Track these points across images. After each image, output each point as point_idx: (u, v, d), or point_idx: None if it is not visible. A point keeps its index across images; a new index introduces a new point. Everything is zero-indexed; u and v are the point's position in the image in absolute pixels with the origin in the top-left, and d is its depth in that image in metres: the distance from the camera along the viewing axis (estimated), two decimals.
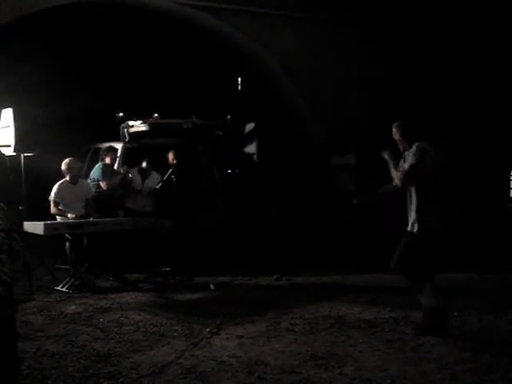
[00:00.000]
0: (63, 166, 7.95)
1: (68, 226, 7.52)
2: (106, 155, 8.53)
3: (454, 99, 10.91)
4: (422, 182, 5.38)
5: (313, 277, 8.39)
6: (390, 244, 5.64)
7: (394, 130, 5.59)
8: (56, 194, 7.87)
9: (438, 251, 5.46)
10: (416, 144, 5.41)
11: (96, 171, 8.42)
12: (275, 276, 8.35)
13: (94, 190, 8.29)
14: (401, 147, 5.58)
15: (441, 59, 10.91)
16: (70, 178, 7.96)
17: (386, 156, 5.58)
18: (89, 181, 8.43)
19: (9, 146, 7.68)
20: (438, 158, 5.51)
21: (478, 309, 6.33)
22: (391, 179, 5.61)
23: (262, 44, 10.89)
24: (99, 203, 8.15)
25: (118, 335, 5.56)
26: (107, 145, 8.86)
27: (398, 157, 5.58)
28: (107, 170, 8.41)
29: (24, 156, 7.84)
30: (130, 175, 8.73)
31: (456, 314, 6.15)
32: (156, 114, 9.04)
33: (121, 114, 8.98)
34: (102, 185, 8.29)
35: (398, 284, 7.53)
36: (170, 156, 8.96)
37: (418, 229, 5.38)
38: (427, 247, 5.39)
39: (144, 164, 9.01)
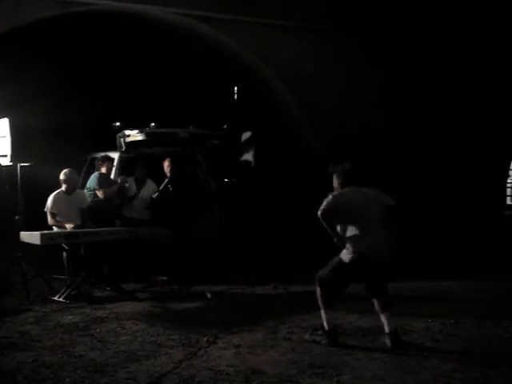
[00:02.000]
0: (61, 176, 7.95)
1: (65, 235, 7.51)
2: (102, 164, 8.53)
3: (453, 107, 10.93)
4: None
5: (310, 286, 8.29)
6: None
7: (335, 176, 5.75)
8: (52, 205, 7.87)
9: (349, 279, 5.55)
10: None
11: (92, 180, 8.41)
12: (272, 285, 8.34)
13: (90, 199, 8.29)
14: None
15: (440, 66, 10.91)
16: (66, 188, 7.95)
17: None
18: (85, 190, 8.42)
19: (5, 156, 7.67)
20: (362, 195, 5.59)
21: (476, 316, 6.34)
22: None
23: (258, 53, 10.90)
24: (96, 212, 8.13)
25: (115, 345, 5.54)
26: (103, 154, 8.85)
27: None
28: (104, 179, 8.40)
29: (20, 166, 7.83)
30: (127, 184, 8.72)
31: (453, 321, 6.14)
32: (153, 124, 9.05)
33: (117, 124, 8.99)
34: (99, 194, 8.28)
35: (395, 292, 7.59)
36: (167, 165, 8.95)
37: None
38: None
39: (140, 173, 8.99)
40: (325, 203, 5.52)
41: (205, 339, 5.67)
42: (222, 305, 7.36)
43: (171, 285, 8.27)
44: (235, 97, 13.59)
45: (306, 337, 5.57)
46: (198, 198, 9.23)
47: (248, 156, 12.83)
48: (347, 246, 5.49)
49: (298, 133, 11.59)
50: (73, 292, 7.51)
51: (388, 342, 5.43)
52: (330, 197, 5.56)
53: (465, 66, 10.84)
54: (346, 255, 5.50)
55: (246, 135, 12.79)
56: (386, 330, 5.48)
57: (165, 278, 8.41)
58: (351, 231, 5.47)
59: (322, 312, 5.52)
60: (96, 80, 11.67)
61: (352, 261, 5.44)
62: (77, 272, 7.63)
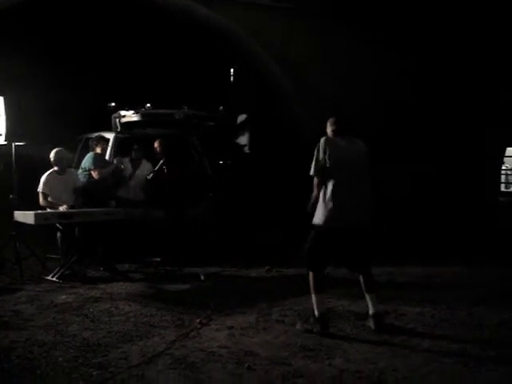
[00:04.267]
0: (52, 156, 7.88)
1: (59, 215, 7.49)
2: (96, 145, 8.48)
3: (451, 95, 10.88)
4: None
5: (304, 269, 8.35)
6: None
7: (328, 124, 5.59)
8: (44, 185, 7.81)
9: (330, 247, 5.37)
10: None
11: (87, 161, 8.37)
12: (266, 267, 8.34)
13: (85, 180, 8.25)
14: None
15: (439, 59, 10.87)
16: (58, 168, 7.91)
17: None
18: (80, 170, 8.38)
19: (0, 135, 7.62)
20: (352, 149, 5.44)
21: (468, 302, 6.34)
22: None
23: (255, 35, 10.81)
24: (91, 193, 8.11)
25: (108, 325, 5.55)
26: (98, 134, 8.81)
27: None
28: (98, 160, 8.36)
29: (15, 145, 7.78)
30: (123, 165, 8.70)
31: (445, 307, 6.16)
32: (148, 104, 9.01)
33: (112, 104, 8.94)
34: (94, 174, 8.25)
35: (389, 277, 7.62)
36: (162, 146, 8.92)
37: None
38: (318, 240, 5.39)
39: (136, 154, 8.96)
40: (316, 152, 5.33)
41: (198, 320, 5.68)
42: (215, 287, 7.37)
43: (165, 266, 8.29)
44: (231, 79, 13.59)
45: (298, 326, 5.50)
46: (192, 179, 9.22)
47: (243, 139, 12.84)
48: (323, 205, 5.29)
49: (294, 117, 11.54)
50: (66, 272, 7.51)
51: (372, 324, 5.41)
52: (322, 140, 5.36)
53: (465, 50, 10.79)
54: (320, 217, 5.29)
55: (241, 118, 12.79)
56: (370, 311, 5.44)
57: (158, 259, 8.43)
58: (332, 185, 5.28)
59: (313, 296, 5.42)
60: (92, 60, 11.58)
61: (327, 220, 5.24)
62: (71, 252, 7.62)
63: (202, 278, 7.72)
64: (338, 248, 5.38)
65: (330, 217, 5.26)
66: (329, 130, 5.57)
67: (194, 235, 8.62)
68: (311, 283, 5.43)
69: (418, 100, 10.75)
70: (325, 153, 5.30)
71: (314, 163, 5.36)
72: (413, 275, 7.92)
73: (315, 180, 5.38)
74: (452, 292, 6.87)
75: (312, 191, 5.44)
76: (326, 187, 5.32)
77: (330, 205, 5.26)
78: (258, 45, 10.89)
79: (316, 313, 5.38)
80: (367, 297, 5.48)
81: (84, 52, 11.51)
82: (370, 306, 5.46)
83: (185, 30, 11.70)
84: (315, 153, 5.35)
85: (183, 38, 11.92)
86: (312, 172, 5.37)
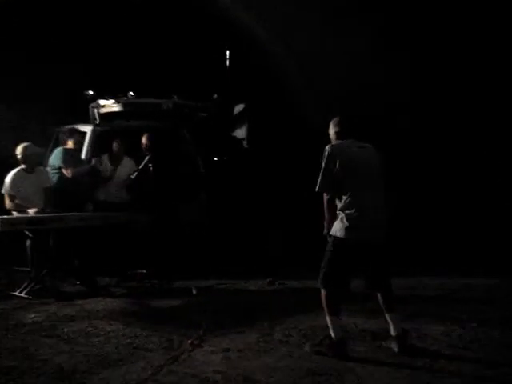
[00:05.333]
0: (18, 153, 7.87)
1: (28, 221, 7.46)
2: (68, 138, 8.46)
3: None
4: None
5: (310, 281, 8.34)
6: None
7: (331, 125, 5.57)
8: (10, 185, 7.79)
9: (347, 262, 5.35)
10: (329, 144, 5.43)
11: (55, 157, 8.34)
12: (267, 279, 8.35)
13: (55, 180, 8.23)
14: None
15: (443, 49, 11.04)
16: (26, 166, 7.89)
17: None
18: (48, 169, 8.36)
19: None
20: (364, 154, 5.43)
21: (500, 319, 6.32)
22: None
23: (254, 13, 10.83)
24: (63, 195, 8.09)
25: (85, 348, 5.52)
26: (70, 127, 8.79)
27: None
28: (69, 156, 8.34)
29: None
30: (101, 163, 8.68)
31: (475, 325, 6.14)
32: (131, 93, 9.00)
33: (90, 92, 8.93)
34: (66, 172, 8.22)
35: (411, 291, 7.61)
36: (147, 141, 8.91)
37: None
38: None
39: (116, 150, 8.94)
40: (324, 164, 5.29)
41: (189, 342, 5.66)
42: (209, 302, 7.35)
43: (151, 279, 8.31)
44: (227, 63, 13.57)
45: (306, 348, 5.49)
46: (182, 178, 9.20)
47: (241, 131, 12.82)
48: (340, 216, 5.30)
49: (300, 106, 11.55)
50: (37, 286, 7.50)
51: (395, 346, 5.40)
52: (328, 149, 5.32)
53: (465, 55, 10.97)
54: (339, 229, 5.30)
55: (238, 107, 12.77)
56: (392, 332, 5.44)
57: (144, 272, 8.45)
58: (347, 196, 5.27)
59: (328, 319, 5.39)
60: (67, 41, 11.56)
61: (348, 235, 5.24)
62: (42, 263, 7.61)
63: (194, 292, 7.72)
64: (356, 263, 5.38)
65: (348, 227, 5.26)
66: (331, 131, 5.56)
67: (184, 243, 8.60)
68: (325, 303, 5.40)
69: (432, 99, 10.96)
70: (334, 163, 5.28)
71: (321, 177, 5.33)
72: (437, 289, 7.91)
73: (325, 196, 5.37)
74: (481, 308, 6.85)
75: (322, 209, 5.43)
76: (341, 199, 5.33)
77: (348, 215, 5.27)
78: (257, 24, 10.91)
79: (332, 335, 5.35)
80: (388, 317, 5.48)
81: (59, 33, 11.48)
82: (391, 326, 5.45)
83: (172, 6, 11.69)
84: (323, 165, 5.33)
85: (171, 15, 11.91)
86: (319, 188, 5.35)
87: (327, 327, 5.50)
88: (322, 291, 5.43)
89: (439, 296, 7.58)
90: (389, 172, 5.62)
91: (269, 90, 11.89)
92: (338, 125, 5.51)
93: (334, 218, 5.37)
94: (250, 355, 5.36)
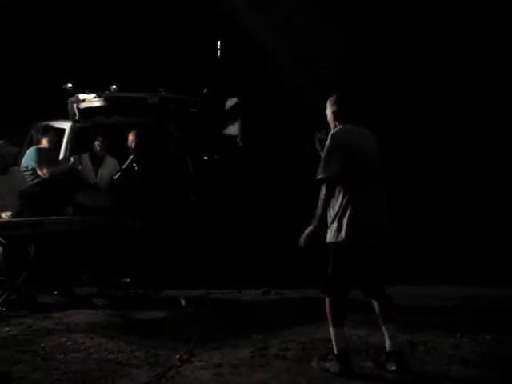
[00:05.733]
0: None
1: (1, 226, 7.43)
2: (42, 136, 8.43)
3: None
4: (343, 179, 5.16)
5: (308, 290, 8.36)
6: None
7: (328, 104, 5.43)
8: None
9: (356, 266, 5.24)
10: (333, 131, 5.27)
11: (28, 157, 8.33)
12: (262, 289, 8.36)
13: (30, 181, 8.20)
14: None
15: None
16: (0, 167, 7.86)
17: (317, 138, 5.50)
18: (22, 169, 8.32)
19: None
20: (366, 142, 5.30)
21: None
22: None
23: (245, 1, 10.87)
24: (40, 197, 8.06)
25: (64, 364, 5.46)
26: (44, 124, 8.74)
27: None
28: (44, 154, 8.31)
29: None
30: (80, 167, 8.65)
31: (489, 337, 6.12)
32: (114, 86, 8.97)
33: (69, 85, 8.88)
34: (41, 173, 8.18)
35: (420, 301, 7.59)
36: (131, 138, 8.89)
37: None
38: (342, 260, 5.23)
39: (99, 149, 8.91)
40: (327, 149, 5.12)
41: (177, 357, 5.62)
42: (199, 314, 7.34)
43: (136, 288, 8.31)
44: (218, 54, 13.55)
45: (314, 364, 5.42)
46: (170, 179, 9.19)
47: (233, 128, 12.76)
48: (337, 219, 5.14)
49: (297, 100, 11.55)
50: (11, 297, 7.46)
51: (391, 365, 5.25)
52: (336, 135, 5.16)
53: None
54: (336, 232, 5.15)
55: (231, 102, 12.71)
56: (389, 347, 5.28)
57: (128, 280, 8.45)
58: (348, 193, 5.11)
59: (331, 330, 5.30)
60: (45, 30, 11.54)
61: (349, 236, 5.09)
62: (16, 272, 7.57)
63: (183, 302, 7.71)
64: (357, 267, 5.28)
65: (351, 230, 5.11)
66: (329, 112, 5.41)
67: (171, 249, 8.58)
68: (329, 311, 5.28)
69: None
70: (340, 149, 5.11)
71: (324, 163, 5.12)
72: (448, 298, 7.91)
73: (326, 186, 5.14)
74: (495, 319, 6.84)
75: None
76: (340, 193, 5.17)
77: (349, 215, 5.12)
78: (249, 11, 10.93)
79: (334, 349, 5.27)
80: (384, 329, 5.34)
81: (30, 19, 11.43)
82: (387, 340, 5.32)
83: None
84: (326, 150, 5.15)
85: (158, 3, 11.90)
86: (323, 174, 5.13)
87: (328, 339, 5.45)
88: (327, 299, 5.32)
89: (449, 306, 7.58)
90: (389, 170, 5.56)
91: (263, 82, 11.89)
92: (336, 103, 5.36)
93: (325, 214, 5.22)
94: (244, 371, 5.31)
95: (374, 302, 5.39)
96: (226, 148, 12.49)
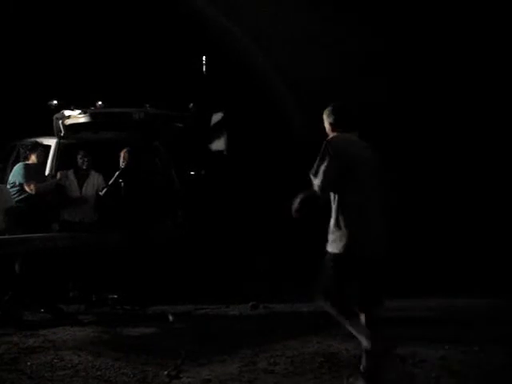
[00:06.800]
0: None
1: None
2: (30, 153, 8.39)
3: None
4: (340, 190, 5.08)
5: (298, 304, 8.35)
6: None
7: (324, 116, 5.34)
8: None
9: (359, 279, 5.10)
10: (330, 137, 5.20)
11: (16, 173, 8.27)
12: (250, 303, 8.31)
13: (16, 197, 8.14)
14: None
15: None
16: None
17: None
18: (8, 186, 8.28)
19: None
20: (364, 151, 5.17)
21: (506, 342, 6.28)
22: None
23: (231, 15, 10.89)
24: (26, 214, 8.01)
25: (51, 382, 5.43)
26: (32, 140, 8.71)
27: None
28: (31, 171, 8.27)
29: None
30: (68, 182, 8.62)
31: (477, 349, 6.11)
32: (100, 102, 8.96)
33: (54, 102, 8.87)
34: (28, 189, 8.14)
35: (408, 312, 7.58)
36: (122, 156, 8.87)
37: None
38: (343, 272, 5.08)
39: (84, 165, 8.88)
40: (321, 160, 4.98)
41: (165, 373, 5.59)
42: (187, 329, 7.31)
43: (123, 304, 8.26)
44: (203, 69, 13.58)
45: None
46: (157, 195, 9.17)
47: (219, 143, 12.76)
48: (339, 232, 5.02)
49: (283, 113, 11.59)
50: None
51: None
52: (332, 144, 5.01)
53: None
54: (336, 243, 5.02)
55: (216, 117, 12.72)
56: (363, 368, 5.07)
57: (115, 296, 8.40)
58: (349, 207, 5.00)
59: (351, 329, 5.00)
60: (30, 48, 11.53)
61: (349, 251, 4.96)
62: (2, 289, 7.52)
63: (171, 318, 7.67)
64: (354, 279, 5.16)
65: (349, 243, 4.99)
66: (326, 123, 5.29)
67: (158, 264, 8.54)
68: (336, 312, 5.01)
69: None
70: (336, 159, 4.97)
71: (321, 176, 4.98)
72: (437, 309, 7.92)
73: (320, 194, 5.03)
74: (483, 330, 6.84)
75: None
76: (339, 211, 5.06)
77: (349, 231, 4.99)
78: (234, 26, 10.96)
79: (367, 345, 4.93)
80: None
81: (22, 38, 11.44)
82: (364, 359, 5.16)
83: (146, 10, 11.71)
84: (320, 161, 5.00)
85: (144, 19, 11.93)
86: (319, 188, 5.00)
87: (317, 353, 5.43)
88: (327, 304, 5.06)
89: (436, 317, 7.57)
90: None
91: (249, 96, 11.91)
92: (333, 114, 5.25)
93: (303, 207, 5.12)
94: None
95: (362, 316, 5.30)
96: (212, 162, 12.52)
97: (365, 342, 4.91)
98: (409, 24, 11.16)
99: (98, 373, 5.66)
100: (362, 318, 5.20)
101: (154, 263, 8.54)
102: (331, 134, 5.24)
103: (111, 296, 8.40)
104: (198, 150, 12.31)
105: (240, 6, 10.72)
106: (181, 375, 5.57)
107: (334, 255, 5.05)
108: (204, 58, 13.40)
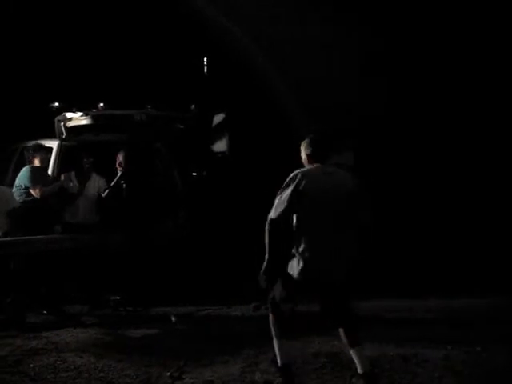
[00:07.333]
0: None
1: None
2: (34, 156, 8.40)
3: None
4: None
5: (299, 304, 8.32)
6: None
7: (302, 147, 5.35)
8: None
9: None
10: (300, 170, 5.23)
11: (23, 176, 8.27)
12: (252, 304, 8.30)
13: (21, 200, 8.15)
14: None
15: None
16: None
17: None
18: (14, 189, 8.27)
19: None
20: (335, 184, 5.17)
21: (508, 342, 6.28)
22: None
23: (232, 16, 10.89)
24: (29, 216, 8.01)
25: None
26: (35, 143, 8.72)
27: None
28: (37, 174, 8.27)
29: None
30: (72, 184, 8.62)
31: (479, 349, 6.11)
32: (101, 104, 8.95)
33: (56, 104, 8.86)
34: (34, 193, 8.15)
35: (409, 313, 7.58)
36: (119, 156, 8.87)
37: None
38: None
39: (85, 166, 8.89)
40: (283, 189, 5.08)
41: (168, 374, 5.62)
42: (189, 330, 7.34)
43: (125, 306, 8.28)
44: (204, 70, 13.58)
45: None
46: (158, 196, 9.17)
47: (221, 144, 12.78)
48: (296, 257, 5.13)
49: (285, 114, 11.60)
50: None
51: None
52: (294, 174, 5.09)
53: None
54: (293, 268, 5.13)
55: (218, 118, 12.74)
56: (360, 369, 5.13)
57: (117, 298, 8.41)
58: (304, 234, 5.08)
59: (275, 342, 5.25)
60: (31, 49, 11.53)
61: (302, 277, 5.08)
62: (5, 291, 7.54)
63: (173, 319, 7.69)
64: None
65: (302, 270, 5.08)
66: (303, 154, 5.33)
67: (160, 266, 8.54)
68: (272, 324, 5.32)
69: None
70: (296, 190, 5.04)
71: (277, 204, 5.11)
72: (438, 310, 7.91)
73: (270, 226, 5.17)
74: (486, 330, 6.82)
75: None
76: (296, 237, 5.13)
77: (303, 257, 5.08)
78: (236, 27, 10.98)
79: (278, 361, 5.23)
80: (353, 352, 5.18)
81: (23, 39, 11.45)
82: (358, 363, 5.16)
83: (147, 10, 11.71)
84: (281, 190, 5.12)
85: (145, 20, 11.93)
86: (274, 215, 5.13)
87: (319, 354, 5.45)
88: (271, 315, 5.32)
89: (439, 317, 7.57)
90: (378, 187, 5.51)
91: (251, 96, 11.92)
92: (310, 146, 5.28)
93: (276, 254, 5.21)
94: None
95: (340, 330, 5.24)
96: (214, 164, 12.53)
97: (278, 358, 5.20)
98: (409, 24, 11.19)
99: (101, 374, 5.69)
100: (341, 331, 5.23)
101: (155, 264, 8.54)
102: (306, 165, 5.30)
103: (113, 297, 8.40)
104: (199, 151, 12.32)
105: (240, 6, 10.74)
106: (183, 376, 5.59)
107: (291, 277, 5.17)
108: (205, 58, 13.41)
